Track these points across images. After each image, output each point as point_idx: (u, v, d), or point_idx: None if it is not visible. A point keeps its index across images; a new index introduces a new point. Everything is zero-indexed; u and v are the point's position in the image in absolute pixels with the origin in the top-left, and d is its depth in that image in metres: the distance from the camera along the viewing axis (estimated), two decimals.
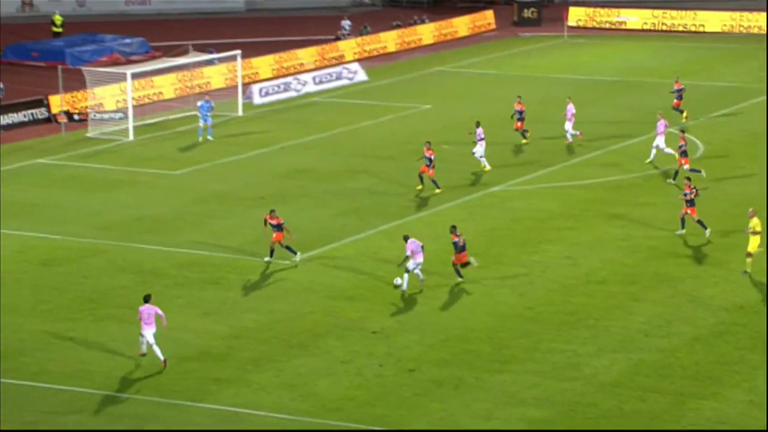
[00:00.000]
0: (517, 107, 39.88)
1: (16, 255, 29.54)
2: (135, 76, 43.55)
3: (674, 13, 64.00)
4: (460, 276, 27.75)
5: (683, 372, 23.27)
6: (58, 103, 43.62)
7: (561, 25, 62.78)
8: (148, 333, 23.39)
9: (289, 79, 50.05)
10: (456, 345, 24.54)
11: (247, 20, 66.78)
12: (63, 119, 43.05)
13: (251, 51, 52.70)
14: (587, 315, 26.13)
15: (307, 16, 68.34)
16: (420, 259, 27.22)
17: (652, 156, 37.32)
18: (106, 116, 43.18)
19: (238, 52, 47.09)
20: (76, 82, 44.63)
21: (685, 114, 42.81)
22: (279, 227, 28.70)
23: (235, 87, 46.61)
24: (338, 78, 51.24)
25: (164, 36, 58.97)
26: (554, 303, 26.77)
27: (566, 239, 31.07)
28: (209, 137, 41.04)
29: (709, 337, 24.82)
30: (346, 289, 27.59)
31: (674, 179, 35.03)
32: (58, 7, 61.97)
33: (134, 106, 42.90)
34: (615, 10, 65.31)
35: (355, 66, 52.34)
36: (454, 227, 27.85)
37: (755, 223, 28.06)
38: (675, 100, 43.00)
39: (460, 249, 27.72)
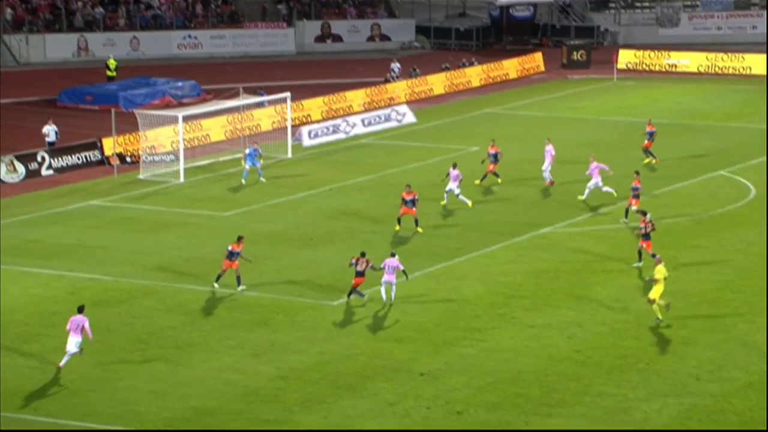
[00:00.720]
0: (491, 150, 39.23)
1: (68, 296, 29.86)
2: (186, 118, 44.09)
3: (724, 56, 63.70)
4: (360, 295, 28.42)
5: (736, 418, 22.88)
6: (110, 145, 44.26)
7: (610, 67, 62.67)
8: (72, 342, 24.80)
9: (338, 121, 50.37)
10: (504, 388, 24.36)
11: (297, 63, 67.46)
12: (115, 161, 43.64)
13: (301, 93, 53.18)
14: (638, 359, 25.84)
15: (357, 59, 68.92)
16: (390, 279, 28.56)
17: (585, 194, 37.72)
18: (157, 158, 43.69)
19: (287, 94, 47.52)
20: (129, 125, 45.26)
21: (648, 160, 42.52)
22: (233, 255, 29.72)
23: (285, 129, 47.00)
24: (387, 120, 51.48)
25: (215, 79, 59.72)
26: (604, 346, 26.51)
27: (616, 282, 30.81)
28: (262, 179, 41.36)
29: (762, 382, 24.39)
30: (394, 330, 27.53)
31: (626, 217, 35.47)
32: (112, 52, 63.06)
33: (185, 149, 43.39)
34: (665, 53, 65.13)
35: (404, 108, 52.58)
36: (363, 253, 28.64)
37: (659, 270, 27.36)
38: (646, 141, 42.70)
39: (359, 273, 28.51)
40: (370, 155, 46.37)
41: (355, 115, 51.58)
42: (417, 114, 52.41)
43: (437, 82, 59.50)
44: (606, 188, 37.54)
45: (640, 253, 31.71)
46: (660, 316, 27.41)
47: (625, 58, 65.10)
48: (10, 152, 43.27)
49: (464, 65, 62.57)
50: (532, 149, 44.61)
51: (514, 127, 51.37)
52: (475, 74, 61.65)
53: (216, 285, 30.17)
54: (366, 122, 50.80)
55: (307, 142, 48.02)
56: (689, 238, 34.42)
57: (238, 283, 30.02)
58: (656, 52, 65.44)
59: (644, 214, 31.94)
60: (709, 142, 46.30)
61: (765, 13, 71.87)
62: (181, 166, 42.37)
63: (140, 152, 44.10)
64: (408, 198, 34.94)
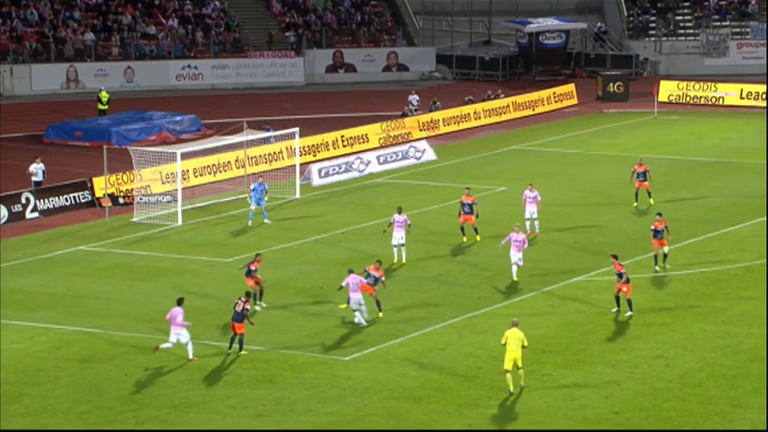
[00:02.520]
0: (466, 200, 38.59)
1: (55, 351, 29.97)
2: (185, 156, 44.41)
3: None
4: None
5: None
6: (102, 185, 44.54)
7: (651, 100, 62.86)
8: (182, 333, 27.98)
9: (351, 158, 50.63)
10: None
11: (306, 95, 67.93)
12: (107, 203, 43.90)
13: (310, 128, 53.51)
14: (683, 422, 25.72)
15: (372, 90, 69.36)
16: (357, 296, 30.57)
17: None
18: (153, 199, 43.95)
19: (296, 129, 47.84)
20: (122, 163, 45.59)
21: (636, 204, 42.63)
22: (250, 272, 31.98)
23: (293, 167, 47.26)
24: (404, 157, 51.72)
25: (217, 113, 60.16)
26: (645, 408, 26.41)
27: (657, 336, 30.75)
28: (266, 221, 41.54)
29: None
30: (412, 389, 27.52)
31: (657, 264, 35.70)
32: (104, 83, 63.60)
33: (183, 189, 43.66)
34: (711, 85, 65.26)
35: (423, 144, 52.83)
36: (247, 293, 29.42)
37: (512, 335, 26.87)
38: (638, 182, 42.75)
39: (236, 317, 29.32)
40: (385, 196, 46.53)
41: (369, 152, 51.84)
42: (437, 151, 52.63)
43: (460, 116, 59.79)
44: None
45: (617, 298, 32.09)
46: (511, 388, 26.83)
47: (667, 90, 65.31)
48: None
49: (489, 97, 62.88)
50: (564, 190, 44.68)
51: (544, 166, 51.49)
52: (501, 107, 61.94)
53: (263, 304, 32.34)
54: (381, 160, 51.04)
55: (317, 181, 48.27)
56: (739, 289, 34.34)
57: (259, 298, 32.13)
58: (701, 83, 65.64)
59: (615, 257, 32.34)
60: (760, 183, 46.26)
61: None
62: (179, 207, 42.62)
63: (134, 193, 44.38)
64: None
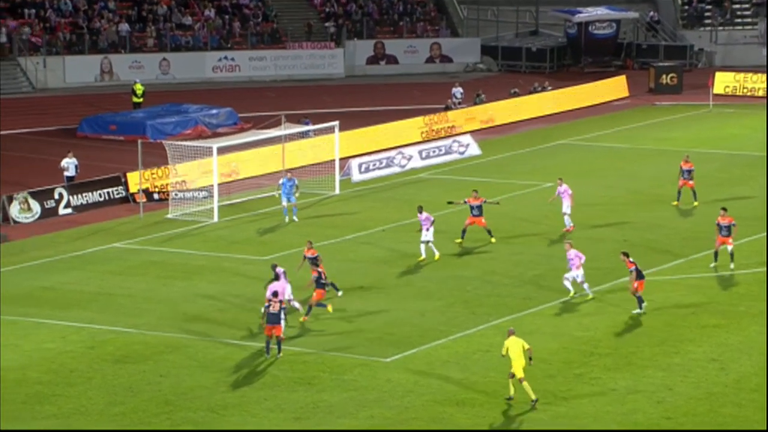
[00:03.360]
0: (474, 202, 38.38)
1: (88, 351, 30.21)
2: (221, 150, 44.57)
3: None
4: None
5: None
6: (136, 180, 44.79)
7: (705, 92, 62.36)
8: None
9: (392, 153, 50.63)
10: None
11: (347, 88, 68.01)
12: (142, 198, 44.15)
13: (350, 122, 53.57)
14: (738, 428, 25.51)
15: (414, 83, 69.33)
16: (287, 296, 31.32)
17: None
18: (188, 195, 44.16)
19: (335, 123, 47.90)
20: (157, 158, 45.86)
21: (675, 203, 42.30)
22: (315, 261, 32.08)
23: (332, 162, 47.32)
24: (447, 152, 51.65)
25: (254, 106, 60.37)
26: (699, 413, 26.23)
27: (712, 339, 30.52)
28: (294, 218, 41.61)
29: None
30: (455, 392, 27.49)
31: (715, 260, 35.65)
32: (139, 75, 63.99)
33: (220, 184, 43.83)
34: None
35: (467, 138, 52.73)
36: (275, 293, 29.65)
37: (512, 344, 26.66)
38: (682, 180, 42.41)
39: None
40: (427, 192, 46.49)
41: (411, 147, 51.81)
42: (482, 145, 52.53)
43: (505, 109, 59.61)
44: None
45: (639, 299, 32.12)
46: (533, 396, 26.61)
47: (723, 81, 64.76)
48: (24, 188, 44.03)
49: (536, 90, 62.65)
50: (613, 186, 44.45)
51: (592, 161, 51.25)
52: (548, 100, 61.69)
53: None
54: (424, 154, 51.01)
55: (357, 176, 48.31)
56: None
57: (336, 288, 32.88)
58: (759, 74, 65.01)
59: (627, 255, 32.35)
60: None
61: None
62: (215, 203, 42.79)
63: (169, 188, 44.61)
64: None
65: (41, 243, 40.12)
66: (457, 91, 60.93)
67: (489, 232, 38.34)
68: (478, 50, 73.41)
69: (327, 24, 72.18)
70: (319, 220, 42.33)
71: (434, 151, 51.34)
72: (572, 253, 33.39)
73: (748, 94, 64.41)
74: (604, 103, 63.37)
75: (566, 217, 39.53)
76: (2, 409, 26.59)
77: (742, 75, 65.29)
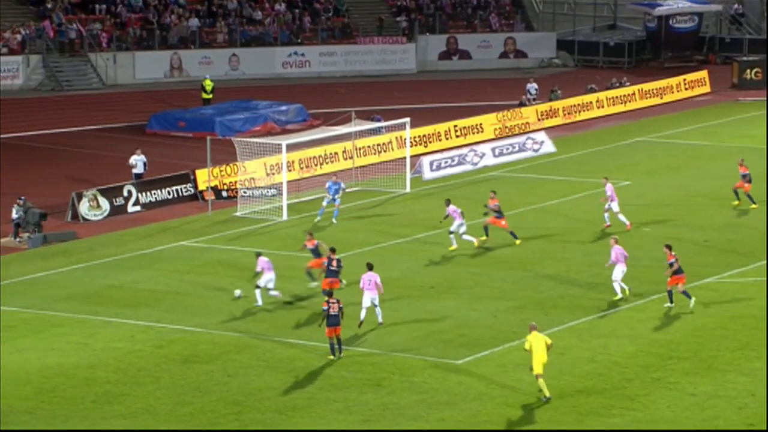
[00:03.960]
0: (492, 203, 38.52)
1: (155, 351, 30.53)
2: (291, 147, 44.81)
3: None
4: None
5: None
6: (205, 178, 45.17)
7: None
8: (367, 298, 30.61)
9: (464, 150, 50.55)
10: None
11: (419, 83, 68.01)
12: (210, 196, 44.50)
13: (422, 118, 53.58)
14: None
15: (488, 78, 69.15)
16: (270, 275, 32.69)
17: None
18: (257, 193, 44.45)
19: (407, 119, 47.92)
20: (226, 155, 46.20)
21: (737, 202, 41.79)
22: (316, 251, 33.39)
23: (403, 159, 47.36)
24: (521, 149, 51.46)
25: (324, 102, 60.60)
26: None
27: None
28: (334, 220, 41.47)
29: None
30: (528, 395, 27.38)
31: None
32: (209, 71, 64.54)
33: (289, 182, 44.04)
34: None
35: (542, 135, 52.50)
36: (329, 293, 29.97)
37: (531, 339, 26.53)
38: (741, 182, 41.97)
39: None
40: (501, 190, 46.30)
41: (484, 144, 51.70)
42: (557, 143, 52.24)
43: (581, 105, 59.24)
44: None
45: (670, 294, 32.21)
46: (547, 394, 26.57)
47: None
48: (93, 186, 44.62)
49: (614, 86, 62.19)
50: (694, 184, 43.99)
51: (672, 158, 50.77)
52: (627, 96, 61.21)
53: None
54: (497, 152, 50.86)
55: (428, 174, 48.30)
56: None
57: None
58: None
59: (669, 248, 32.35)
60: None
61: None
62: (284, 201, 43.02)
63: (238, 186, 44.93)
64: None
65: (110, 241, 40.62)
66: (532, 87, 60.67)
67: (512, 234, 38.37)
68: (553, 45, 73.04)
69: (399, 18, 72.25)
70: (389, 218, 42.39)
71: (507, 149, 51.16)
72: (617, 249, 33.16)
73: None
74: (685, 99, 62.73)
75: (620, 216, 39.35)
76: (72, 408, 26.97)
77: None
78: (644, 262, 36.13)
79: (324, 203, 41.68)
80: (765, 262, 36.47)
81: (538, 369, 26.73)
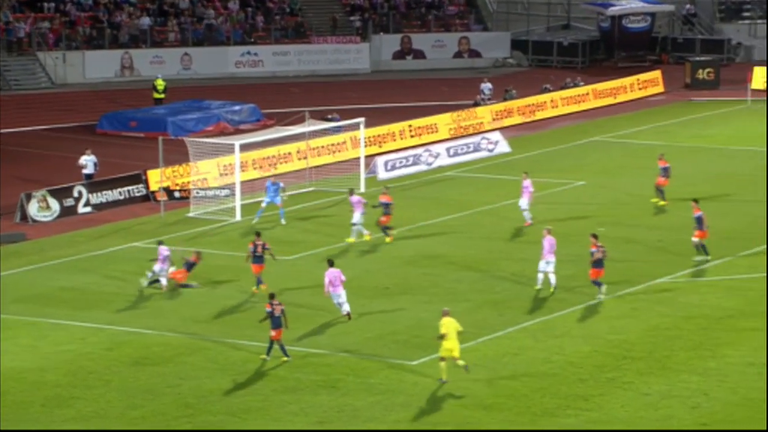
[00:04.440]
0: (383, 198, 39.04)
1: (106, 353, 30.31)
2: (244, 147, 44.65)
3: None
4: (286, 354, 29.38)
5: None
6: (157, 178, 44.94)
7: (744, 88, 62.05)
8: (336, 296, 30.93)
9: (419, 150, 50.60)
10: None
11: (373, 83, 68.03)
12: (162, 197, 44.27)
13: (377, 118, 53.57)
14: None
15: (442, 78, 69.28)
16: (164, 266, 34.18)
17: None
18: (210, 193, 44.26)
19: (361, 119, 47.91)
20: (179, 155, 45.98)
21: (656, 200, 42.66)
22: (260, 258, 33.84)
23: (357, 159, 47.33)
24: (476, 149, 51.59)
25: (278, 102, 60.46)
26: (736, 420, 26.07)
27: (750, 342, 30.33)
28: (282, 221, 41.32)
29: None
30: (484, 396, 27.43)
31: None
32: (160, 70, 64.19)
33: (242, 182, 43.90)
34: None
35: (497, 135, 52.66)
36: (271, 294, 29.74)
37: (444, 324, 27.47)
38: (660, 178, 42.73)
39: (275, 323, 29.33)
40: (455, 190, 46.44)
41: (439, 144, 51.78)
42: (512, 142, 52.42)
43: (536, 105, 59.47)
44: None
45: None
46: (444, 377, 27.48)
47: (762, 76, 64.35)
48: (42, 186, 44.23)
49: (568, 85, 62.50)
50: (648, 185, 44.26)
51: (626, 158, 51.06)
52: (581, 96, 61.51)
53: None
54: (452, 152, 50.96)
55: (382, 174, 48.31)
56: None
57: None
58: None
59: (595, 237, 33.23)
60: None
61: None
62: (238, 202, 42.86)
63: (191, 186, 44.72)
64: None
65: (60, 242, 40.30)
66: (486, 86, 60.82)
67: (385, 230, 39.07)
68: (507, 45, 73.30)
69: (352, 18, 72.22)
70: (344, 219, 42.32)
71: (462, 149, 51.27)
72: (549, 240, 33.71)
73: None
74: (638, 99, 63.14)
75: (525, 213, 40.09)
76: (22, 413, 26.71)
77: None
78: (607, 263, 36.20)
79: (263, 204, 41.47)
80: (718, 261, 36.76)
81: (443, 353, 27.40)
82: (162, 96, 60.03)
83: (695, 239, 36.37)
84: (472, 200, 44.28)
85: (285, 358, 29.30)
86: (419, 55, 72.12)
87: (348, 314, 31.85)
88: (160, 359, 29.83)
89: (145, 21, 68.15)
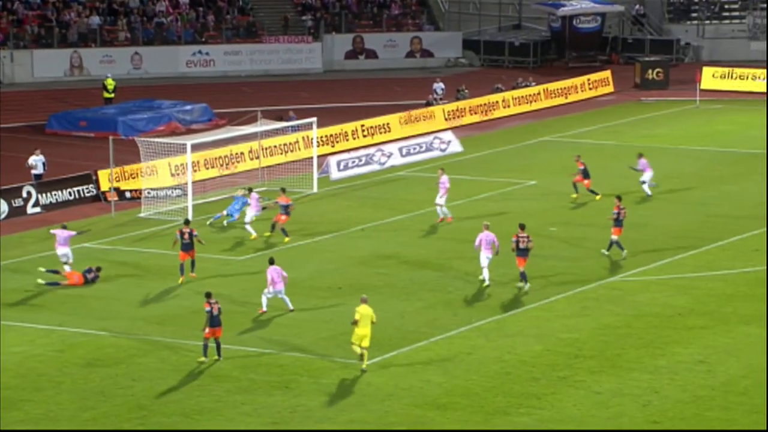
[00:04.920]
0: (280, 200, 39.42)
1: (57, 355, 30.15)
2: (195, 147, 44.54)
3: None
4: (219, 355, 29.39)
5: None
6: (107, 178, 44.74)
7: (693, 88, 62.66)
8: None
9: (371, 150, 50.69)
10: None
11: (325, 83, 68.04)
12: (113, 197, 44.08)
13: (329, 118, 53.60)
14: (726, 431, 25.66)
15: (394, 78, 69.40)
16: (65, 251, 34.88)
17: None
18: (161, 193, 44.12)
19: (313, 119, 47.92)
20: (129, 155, 45.78)
21: (575, 195, 43.66)
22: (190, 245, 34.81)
23: (310, 159, 47.35)
24: (429, 149, 51.75)
25: (230, 101, 60.33)
26: (685, 417, 26.38)
27: (699, 340, 30.68)
28: (225, 223, 41.00)
29: None
30: (437, 396, 27.57)
31: (608, 250, 37.14)
32: (110, 70, 63.83)
33: (194, 182, 43.79)
34: (758, 71, 64.97)
35: (449, 135, 52.84)
36: (208, 294, 29.49)
37: (362, 311, 28.48)
38: (578, 177, 43.69)
39: (215, 322, 29.14)
40: (408, 190, 46.56)
41: (391, 144, 51.89)
42: (464, 142, 52.63)
43: (488, 105, 59.73)
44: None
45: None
46: (359, 351, 28.59)
47: (711, 76, 65.05)
48: None
49: (519, 85, 62.83)
50: (599, 184, 44.60)
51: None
52: (532, 96, 61.86)
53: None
54: (404, 152, 51.08)
55: (335, 174, 48.35)
56: None
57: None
58: (747, 69, 65.34)
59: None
60: None
61: None
62: (189, 202, 42.75)
63: (142, 187, 44.55)
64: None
65: (9, 243, 40.00)
66: (438, 86, 61.02)
67: (283, 231, 39.24)
68: (459, 45, 73.53)
69: (304, 17, 72.18)
70: (296, 219, 42.29)
71: (415, 149, 51.40)
72: (484, 235, 34.32)
73: (736, 90, 64.56)
74: (589, 98, 63.57)
75: (439, 208, 40.73)
76: None
77: (729, 70, 65.60)
78: (550, 261, 36.58)
79: (224, 212, 41.18)
80: (667, 260, 37.15)
81: (355, 339, 28.27)
82: (112, 95, 59.70)
83: (614, 237, 36.84)
84: (424, 200, 44.39)
85: (202, 359, 29.27)
86: (371, 54, 72.19)
87: (291, 309, 32.33)
88: (112, 361, 29.71)
89: (95, 20, 67.74)
